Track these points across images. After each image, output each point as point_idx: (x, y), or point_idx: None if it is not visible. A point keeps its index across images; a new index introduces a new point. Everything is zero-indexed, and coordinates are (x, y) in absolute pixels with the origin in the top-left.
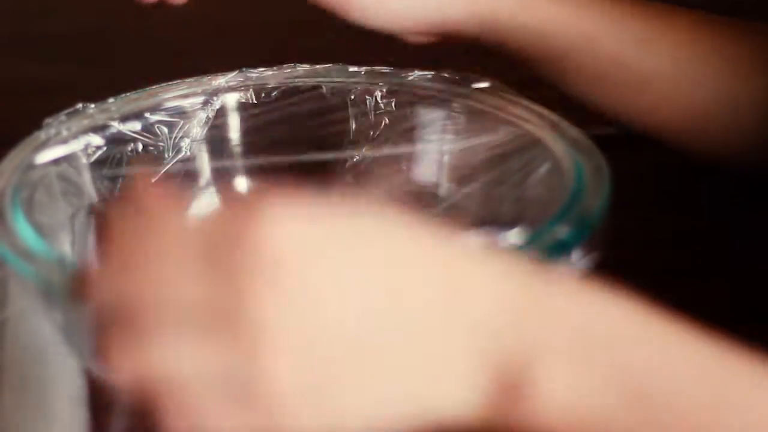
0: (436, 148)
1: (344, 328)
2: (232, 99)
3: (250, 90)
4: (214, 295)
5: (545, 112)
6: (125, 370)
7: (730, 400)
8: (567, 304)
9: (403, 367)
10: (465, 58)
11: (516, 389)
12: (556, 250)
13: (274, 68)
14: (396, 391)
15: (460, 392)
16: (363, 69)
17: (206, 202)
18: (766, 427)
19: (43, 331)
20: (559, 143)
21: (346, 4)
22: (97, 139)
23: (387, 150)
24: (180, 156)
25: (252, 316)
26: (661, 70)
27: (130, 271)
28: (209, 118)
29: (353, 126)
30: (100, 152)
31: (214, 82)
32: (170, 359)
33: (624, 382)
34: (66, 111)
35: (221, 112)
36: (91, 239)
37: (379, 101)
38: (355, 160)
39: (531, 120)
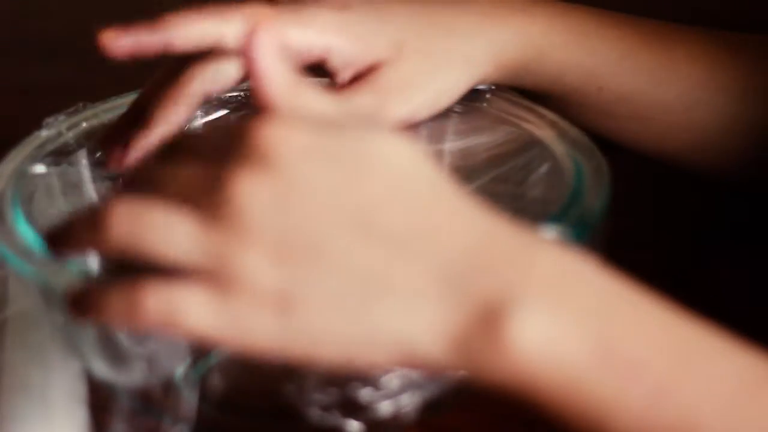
0: (436, 148)
1: (319, 233)
2: (231, 99)
3: (251, 90)
4: (205, 176)
5: (545, 112)
6: (117, 222)
7: (694, 370)
8: (549, 250)
9: (372, 290)
10: None
11: (488, 329)
12: None
13: None
14: (362, 315)
15: (430, 325)
16: None
17: None
18: (724, 394)
19: (43, 331)
20: (559, 143)
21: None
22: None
23: None
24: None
25: (233, 202)
26: (666, 102)
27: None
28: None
29: None
30: (100, 152)
31: None
32: (158, 226)
33: (598, 336)
34: (66, 111)
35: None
36: None
37: None
38: None
39: (531, 120)
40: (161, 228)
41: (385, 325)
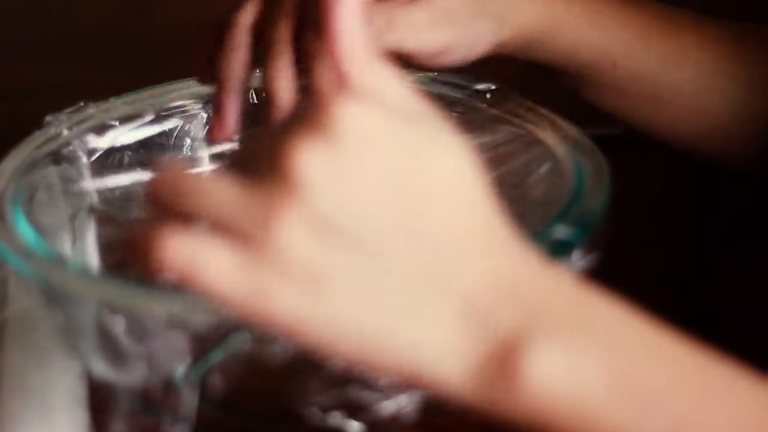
0: None
1: (366, 224)
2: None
3: (251, 90)
4: (269, 140)
5: (545, 112)
6: (164, 177)
7: (712, 402)
8: (569, 285)
9: (403, 298)
10: None
11: (505, 363)
12: (557, 250)
13: None
14: (386, 318)
15: (450, 352)
16: None
17: None
18: (742, 426)
19: (43, 331)
20: (559, 143)
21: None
22: (97, 139)
23: None
24: (180, 156)
25: (290, 166)
26: (679, 85)
27: None
28: (210, 118)
29: None
30: (100, 152)
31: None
32: (205, 181)
33: (616, 371)
34: (66, 111)
35: None
36: (91, 239)
37: None
38: None
39: (531, 120)
40: (207, 182)
41: (406, 336)
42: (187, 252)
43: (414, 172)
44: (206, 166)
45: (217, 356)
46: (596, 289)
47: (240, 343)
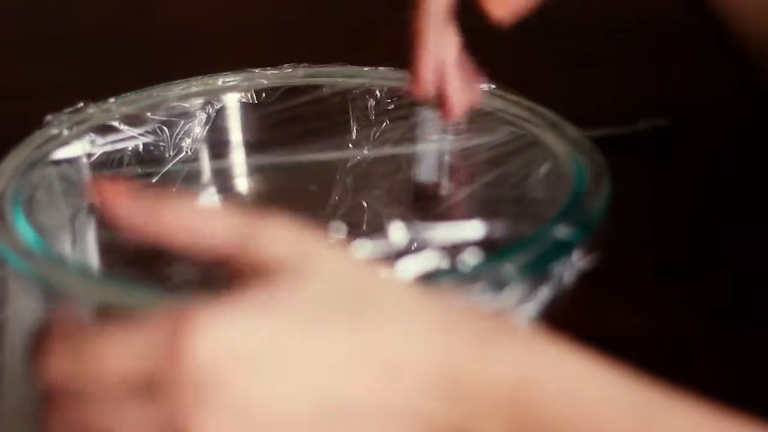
0: (436, 148)
1: None
2: (232, 99)
3: (251, 90)
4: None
5: (545, 112)
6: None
7: None
8: (505, 371)
9: None
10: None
11: None
12: (556, 251)
13: (275, 68)
14: None
15: None
16: (363, 69)
17: (207, 201)
18: None
19: None
20: (559, 143)
21: None
22: (97, 139)
23: (387, 150)
24: (181, 156)
25: None
26: None
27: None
28: (210, 118)
29: (354, 126)
30: (100, 152)
31: (214, 82)
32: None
33: None
34: (66, 110)
35: (222, 112)
36: (92, 239)
37: (380, 101)
38: (355, 160)
39: (531, 120)
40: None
41: None
42: None
43: (299, 368)
44: (205, 169)
45: None
46: (537, 341)
47: None
